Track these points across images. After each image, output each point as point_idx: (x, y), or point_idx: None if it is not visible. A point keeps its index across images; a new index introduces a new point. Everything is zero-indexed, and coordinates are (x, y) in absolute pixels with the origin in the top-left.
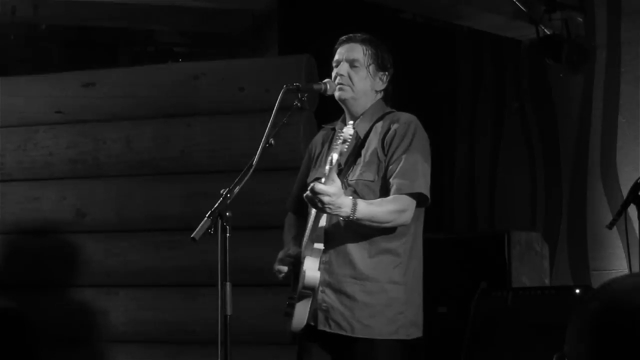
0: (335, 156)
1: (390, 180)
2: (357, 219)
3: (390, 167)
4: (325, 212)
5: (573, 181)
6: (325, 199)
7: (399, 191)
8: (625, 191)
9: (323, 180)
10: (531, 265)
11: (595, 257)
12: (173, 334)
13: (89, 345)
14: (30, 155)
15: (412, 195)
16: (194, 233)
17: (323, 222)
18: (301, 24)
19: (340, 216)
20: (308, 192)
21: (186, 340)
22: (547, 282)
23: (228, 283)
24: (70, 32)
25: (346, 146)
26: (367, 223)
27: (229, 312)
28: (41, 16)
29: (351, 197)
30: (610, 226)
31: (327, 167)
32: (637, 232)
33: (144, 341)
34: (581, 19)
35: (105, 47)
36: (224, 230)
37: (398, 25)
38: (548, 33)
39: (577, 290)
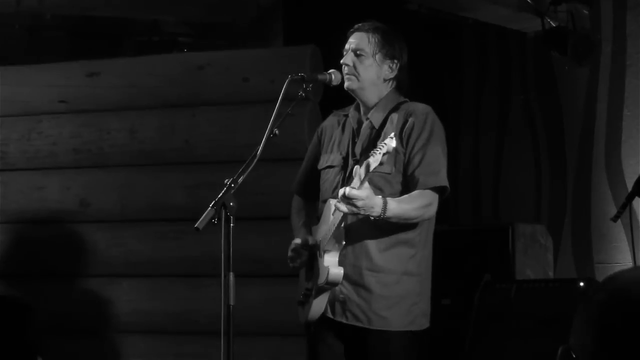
0: (373, 164)
1: (414, 174)
2: (387, 218)
3: (412, 160)
4: (359, 214)
5: (578, 174)
6: (359, 203)
7: (424, 185)
8: (629, 184)
9: (353, 183)
10: (535, 257)
11: (600, 250)
12: (176, 325)
13: (92, 335)
14: (34, 145)
15: (436, 188)
16: (198, 223)
17: (344, 218)
18: (306, 14)
19: (372, 216)
20: (340, 198)
21: (189, 331)
22: (551, 274)
23: (231, 273)
24: (74, 21)
25: (386, 158)
26: (395, 220)
27: (232, 302)
28: (46, 6)
29: (381, 197)
30: (615, 219)
31: (363, 171)
32: None
33: (147, 331)
34: (587, 12)
35: (110, 37)
36: (227, 221)
37: (403, 16)
38: (553, 25)
39: (581, 283)
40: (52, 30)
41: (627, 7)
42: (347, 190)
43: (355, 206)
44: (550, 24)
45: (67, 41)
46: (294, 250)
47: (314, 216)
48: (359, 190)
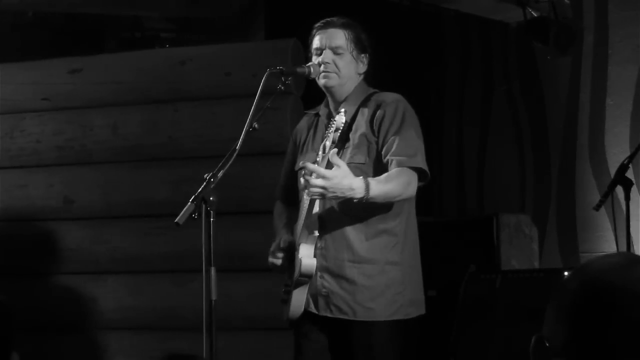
0: (328, 144)
1: (388, 157)
2: (371, 198)
3: (385, 146)
4: (337, 198)
5: (561, 163)
6: (327, 183)
7: (400, 164)
8: (613, 173)
9: (314, 175)
10: (520, 248)
11: (585, 240)
12: (162, 320)
13: (78, 333)
14: (17, 143)
15: (414, 169)
16: (178, 218)
17: (317, 208)
18: (288, 8)
19: (355, 198)
20: (306, 181)
21: (176, 327)
22: (536, 265)
23: (212, 268)
24: (56, 18)
25: (339, 134)
26: (380, 200)
27: (214, 297)
28: (27, 3)
29: (362, 177)
30: (597, 208)
31: (321, 154)
32: (625, 213)
33: (134, 328)
34: (568, 1)
35: (92, 33)
36: (207, 215)
37: (384, 8)
38: (535, 15)
39: (566, 273)
40: (34, 28)
41: None
42: (322, 171)
43: (324, 187)
44: (532, 14)
45: (49, 38)
46: (272, 252)
47: (295, 219)
48: (329, 170)
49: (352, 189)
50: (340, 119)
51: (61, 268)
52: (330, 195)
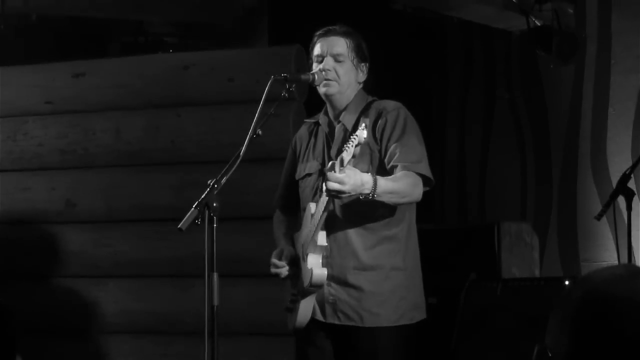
0: (346, 157)
1: (392, 163)
2: (378, 195)
3: (388, 153)
4: (350, 196)
5: (563, 172)
6: (345, 187)
7: (405, 169)
8: (615, 182)
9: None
10: (521, 256)
11: (586, 248)
12: (163, 325)
13: (80, 337)
14: (20, 146)
15: (418, 174)
16: (181, 224)
17: (324, 218)
18: (291, 14)
19: (362, 194)
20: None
21: (176, 331)
22: (537, 273)
23: (215, 273)
24: (60, 22)
25: (359, 149)
26: (387, 198)
27: (215, 302)
28: (31, 7)
29: (370, 173)
30: (598, 217)
31: (338, 167)
32: (626, 223)
33: (134, 332)
34: (572, 10)
35: (96, 37)
36: (210, 221)
37: (388, 16)
38: (538, 24)
39: (567, 282)
40: (38, 31)
41: (612, 5)
42: (330, 184)
43: (341, 191)
44: (535, 22)
45: (53, 42)
46: (276, 263)
47: (295, 228)
48: (344, 174)
49: (362, 185)
50: (362, 134)
51: (62, 271)
52: (344, 196)
